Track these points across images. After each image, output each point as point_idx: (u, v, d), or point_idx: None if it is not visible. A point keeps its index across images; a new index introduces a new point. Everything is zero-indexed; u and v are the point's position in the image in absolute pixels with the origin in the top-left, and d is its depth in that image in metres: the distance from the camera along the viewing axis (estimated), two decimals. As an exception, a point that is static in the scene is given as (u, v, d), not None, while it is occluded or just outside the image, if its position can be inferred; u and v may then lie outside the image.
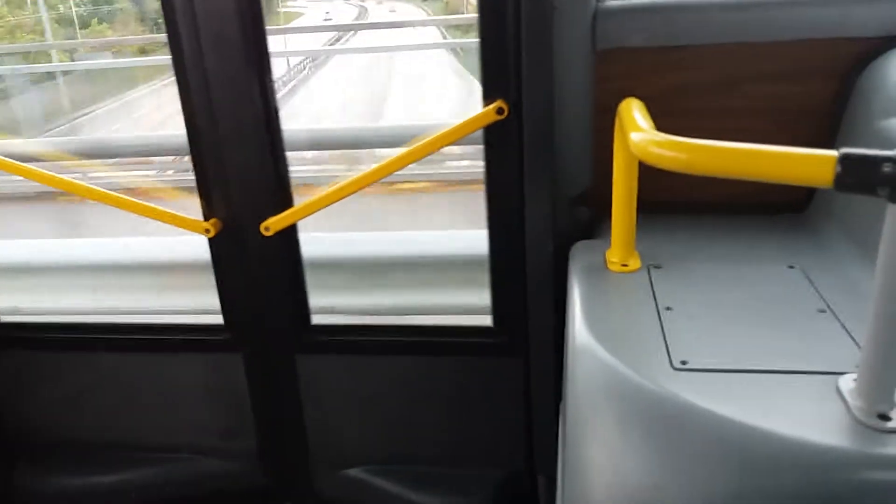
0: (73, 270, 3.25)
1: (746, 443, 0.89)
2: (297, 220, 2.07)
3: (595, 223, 1.71)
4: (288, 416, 2.27)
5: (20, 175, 2.17)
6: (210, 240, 2.11)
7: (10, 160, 2.14)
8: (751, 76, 1.61)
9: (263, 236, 2.04)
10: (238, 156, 2.02)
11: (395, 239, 3.27)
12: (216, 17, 1.87)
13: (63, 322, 2.38)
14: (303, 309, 2.20)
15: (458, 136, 1.88)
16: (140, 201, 2.09)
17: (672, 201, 1.59)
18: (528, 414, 2.04)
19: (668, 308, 1.25)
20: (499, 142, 1.88)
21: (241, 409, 2.29)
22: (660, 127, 1.20)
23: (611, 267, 1.43)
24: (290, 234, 2.11)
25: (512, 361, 2.06)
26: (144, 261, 3.19)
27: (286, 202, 2.08)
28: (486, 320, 2.10)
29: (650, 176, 1.27)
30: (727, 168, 0.96)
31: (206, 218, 2.09)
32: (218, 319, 2.22)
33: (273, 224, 2.03)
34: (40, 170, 2.16)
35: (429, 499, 2.17)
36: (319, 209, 2.03)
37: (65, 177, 2.19)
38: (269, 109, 2.00)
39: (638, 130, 1.20)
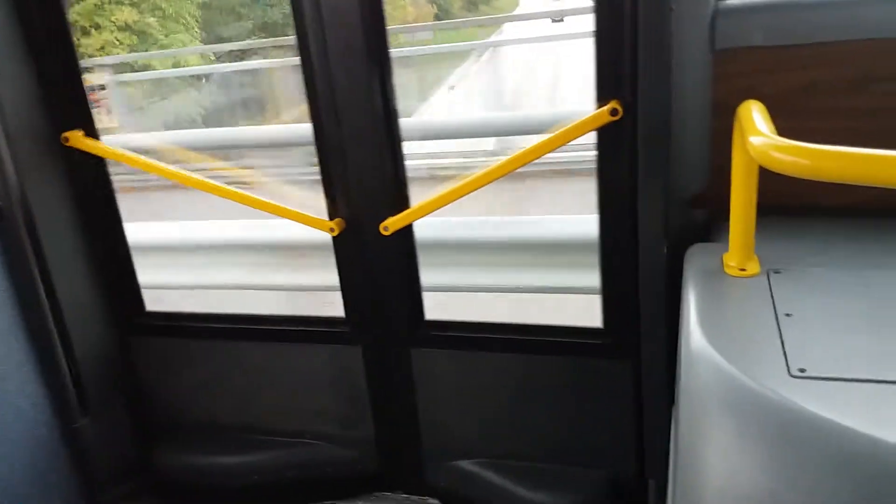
0: (209, 249, 3.54)
1: (867, 454, 0.86)
2: (414, 220, 2.15)
3: (712, 225, 1.68)
4: (403, 408, 2.36)
5: (155, 172, 2.37)
6: (334, 238, 2.23)
7: (152, 161, 2.35)
8: (882, 75, 1.53)
9: (382, 235, 2.13)
10: (359, 156, 2.12)
11: (512, 222, 3.33)
12: (342, 23, 1.98)
13: (202, 313, 2.58)
14: (418, 305, 2.29)
15: (571, 138, 1.90)
16: (270, 200, 2.24)
17: (793, 205, 1.54)
18: (638, 417, 2.03)
19: (787, 314, 1.22)
20: (612, 143, 1.88)
21: (360, 399, 2.40)
22: (783, 128, 1.17)
23: (728, 271, 1.41)
24: (406, 232, 2.20)
25: (621, 363, 2.06)
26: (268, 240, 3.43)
27: (403, 202, 2.17)
28: (595, 316, 2.11)
29: (770, 178, 1.24)
30: (852, 174, 0.94)
31: (331, 217, 2.21)
32: (340, 313, 2.35)
33: (392, 224, 2.12)
34: (165, 166, 2.35)
35: (536, 495, 2.19)
36: (436, 209, 2.10)
37: (194, 174, 2.38)
38: (388, 111, 2.08)
39: (758, 134, 1.17)
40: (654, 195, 1.74)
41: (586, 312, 2.25)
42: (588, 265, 3.08)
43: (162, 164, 2.35)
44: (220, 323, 2.51)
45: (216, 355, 2.52)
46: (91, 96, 2.32)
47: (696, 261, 1.50)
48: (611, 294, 2.03)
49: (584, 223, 3.18)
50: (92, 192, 2.41)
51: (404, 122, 2.18)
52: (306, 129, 2.19)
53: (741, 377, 1.04)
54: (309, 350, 2.41)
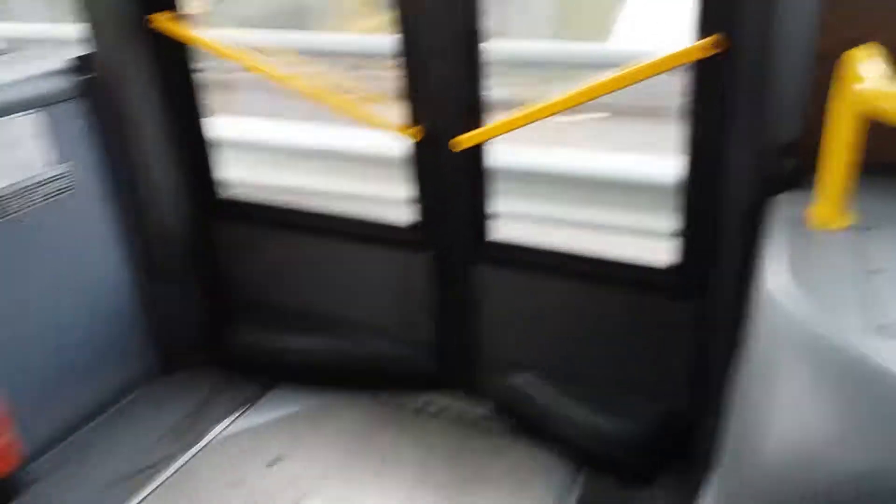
0: (287, 151, 3.61)
1: None
2: (487, 139, 2.17)
3: (801, 176, 1.67)
4: (463, 318, 2.45)
5: (240, 62, 2.39)
6: (410, 147, 2.27)
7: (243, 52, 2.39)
8: None
9: (455, 149, 2.16)
10: (440, 69, 2.13)
11: (586, 157, 3.31)
12: None
13: (279, 205, 2.67)
14: (486, 223, 2.33)
15: (666, 68, 1.86)
16: (357, 105, 2.27)
17: (890, 162, 1.51)
18: (697, 357, 2.07)
19: (872, 271, 1.20)
20: (707, 78, 1.84)
21: (422, 303, 2.50)
22: None
23: (814, 223, 1.39)
24: (479, 150, 2.22)
25: (686, 303, 2.08)
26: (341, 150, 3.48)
27: (478, 119, 2.18)
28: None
29: (870, 134, 1.23)
30: None
31: (409, 126, 2.24)
32: (410, 218, 2.42)
33: (464, 141, 2.15)
34: (251, 58, 2.37)
35: (585, 415, 2.28)
36: (510, 130, 2.11)
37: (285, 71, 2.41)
38: (472, 28, 2.07)
39: (862, 81, 1.15)
40: (745, 139, 1.71)
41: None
42: (653, 208, 3.09)
43: (245, 55, 2.37)
44: (296, 216, 2.60)
45: (290, 245, 2.63)
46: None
47: (781, 210, 1.50)
48: (686, 235, 2.04)
49: (658, 165, 3.15)
50: (176, 77, 2.47)
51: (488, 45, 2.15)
52: (388, 39, 2.18)
53: (819, 328, 1.05)
54: (378, 251, 2.50)
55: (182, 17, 2.37)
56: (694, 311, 2.05)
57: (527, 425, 2.43)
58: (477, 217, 2.32)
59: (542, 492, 2.22)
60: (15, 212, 2.16)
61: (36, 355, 2.29)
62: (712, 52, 1.76)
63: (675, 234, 2.06)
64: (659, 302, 2.14)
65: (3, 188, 2.12)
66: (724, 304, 1.80)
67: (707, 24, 1.78)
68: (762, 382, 1.09)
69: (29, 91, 2.17)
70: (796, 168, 1.69)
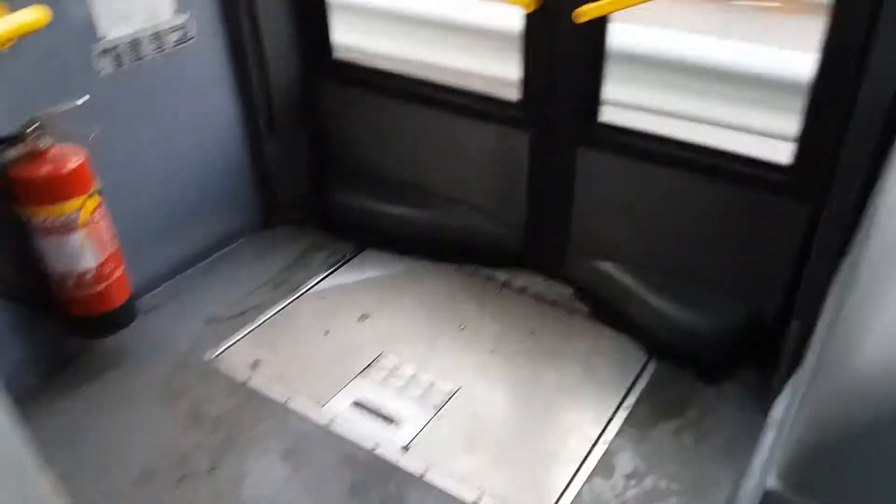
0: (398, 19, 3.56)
1: None
2: (611, 11, 2.04)
3: None
4: (558, 199, 2.43)
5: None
6: (526, 17, 2.17)
7: None
8: None
9: (574, 23, 2.05)
10: None
11: (701, 43, 3.09)
12: None
13: (387, 70, 2.66)
14: (594, 104, 2.24)
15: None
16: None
17: None
18: (800, 259, 1.98)
19: None
20: None
21: (519, 182, 2.48)
22: None
23: None
24: (600, 25, 2.10)
25: (798, 204, 1.98)
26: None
27: None
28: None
29: None
30: None
31: None
32: (514, 96, 2.36)
33: (586, 11, 2.02)
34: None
35: (669, 308, 2.25)
36: (636, 4, 1.97)
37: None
38: None
39: None
40: (894, 41, 1.54)
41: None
42: (773, 104, 2.87)
43: None
44: (401, 83, 2.59)
45: (394, 112, 2.64)
46: None
47: None
48: (809, 134, 1.90)
49: (783, 58, 2.91)
50: None
51: None
52: None
53: None
54: (480, 126, 2.47)
55: None
56: (807, 213, 1.95)
57: (606, 310, 2.43)
58: (588, 97, 2.23)
59: (612, 374, 2.24)
60: (144, 55, 2.25)
61: (151, 196, 2.44)
62: None
63: (799, 133, 1.92)
64: (770, 200, 2.04)
65: (138, 31, 2.20)
66: (841, 210, 1.69)
67: None
68: (868, 291, 1.03)
69: None
70: None
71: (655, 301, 2.27)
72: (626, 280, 2.36)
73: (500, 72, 3.11)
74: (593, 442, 2.03)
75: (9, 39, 1.77)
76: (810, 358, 1.37)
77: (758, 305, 2.18)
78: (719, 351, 2.21)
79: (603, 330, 2.40)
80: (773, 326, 2.13)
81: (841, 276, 1.43)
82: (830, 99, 1.82)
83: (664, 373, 2.24)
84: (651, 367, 2.26)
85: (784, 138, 2.04)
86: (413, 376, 2.24)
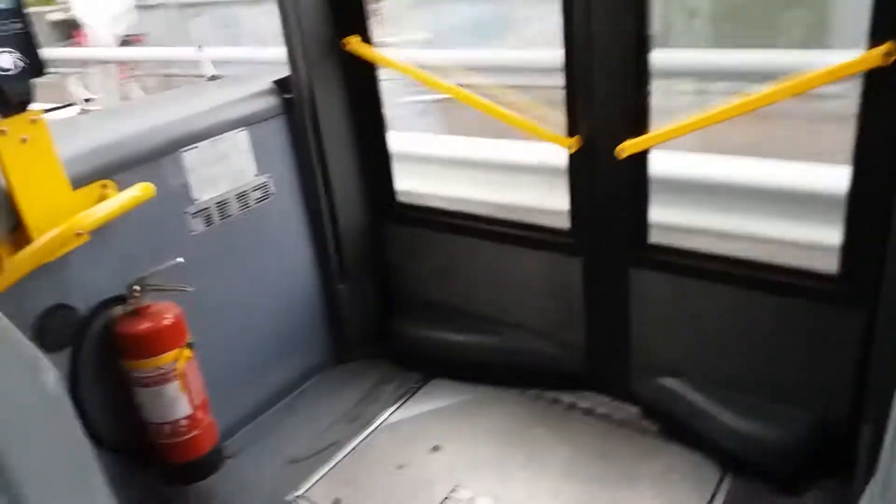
0: (456, 163, 3.85)
1: None
2: (651, 146, 2.22)
3: None
4: (615, 320, 2.51)
5: (418, 79, 2.62)
6: (570, 155, 2.37)
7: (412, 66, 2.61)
8: None
9: (616, 157, 2.23)
10: (606, 82, 2.21)
11: (740, 165, 3.25)
12: None
13: (444, 209, 2.88)
14: (642, 227, 2.38)
15: (835, 78, 1.85)
16: (520, 116, 2.42)
17: None
18: (862, 365, 2.00)
19: None
20: (881, 85, 1.79)
21: (575, 305, 2.59)
22: None
23: None
24: (641, 156, 2.27)
25: (852, 311, 2.02)
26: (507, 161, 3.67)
27: (642, 127, 2.23)
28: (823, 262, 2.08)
29: None
30: None
31: (570, 135, 2.35)
32: (565, 224, 2.52)
33: (628, 147, 2.21)
34: (428, 74, 2.58)
35: (738, 422, 2.26)
36: (675, 137, 2.15)
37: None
38: (641, 38, 2.13)
39: None
40: None
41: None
42: (812, 217, 2.96)
43: (422, 72, 2.60)
44: (458, 219, 2.80)
45: (452, 247, 2.82)
46: (370, 5, 2.61)
47: None
48: (853, 242, 1.99)
49: (814, 173, 3.03)
50: (363, 93, 2.75)
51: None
52: (558, 54, 2.29)
53: None
54: (534, 255, 2.62)
55: (369, 40, 2.64)
56: (861, 319, 1.99)
57: (675, 428, 2.44)
58: (635, 222, 2.37)
59: (689, 494, 2.23)
60: (231, 214, 2.52)
61: (234, 343, 2.62)
62: (884, 61, 1.71)
63: (842, 243, 2.01)
64: (824, 308, 2.09)
65: (225, 193, 2.48)
66: (894, 314, 1.74)
67: (880, 29, 1.74)
68: None
69: (240, 111, 2.53)
70: None
71: (723, 415, 2.28)
72: (693, 396, 2.38)
73: (550, 203, 3.30)
74: (676, 565, 2.00)
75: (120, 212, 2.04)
76: (883, 461, 1.39)
77: (826, 413, 2.17)
78: (792, 461, 2.19)
79: (674, 448, 2.40)
80: (845, 433, 2.12)
81: None
82: (867, 208, 1.92)
83: (740, 488, 2.22)
84: (727, 484, 2.24)
85: (831, 249, 2.12)
86: (488, 507, 2.26)
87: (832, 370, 2.13)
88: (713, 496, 2.21)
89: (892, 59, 1.71)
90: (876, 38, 1.74)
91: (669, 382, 2.45)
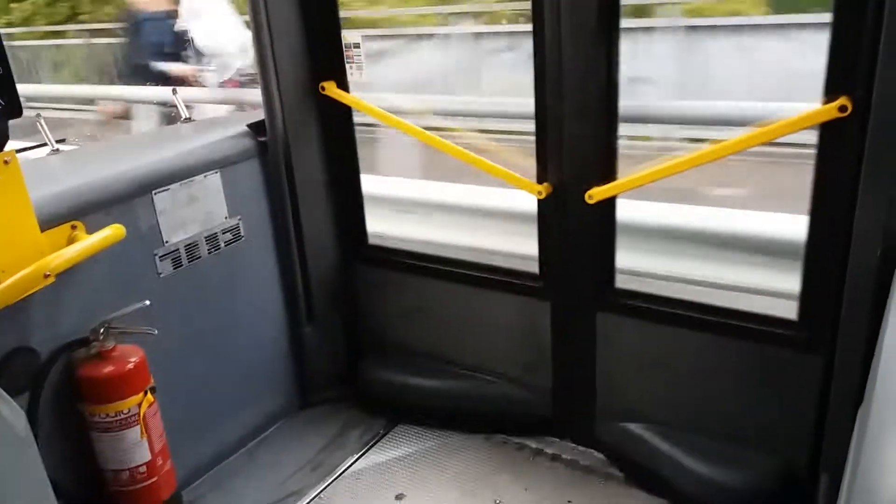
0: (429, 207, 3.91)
1: None
2: (620, 192, 2.27)
3: None
4: (582, 365, 2.53)
5: (392, 125, 2.65)
6: (539, 201, 2.42)
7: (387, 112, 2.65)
8: None
9: (586, 202, 2.28)
10: (576, 128, 2.26)
11: (700, 214, 3.34)
12: (579, 8, 2.11)
13: (415, 251, 2.89)
14: (610, 272, 2.42)
15: (791, 131, 1.93)
16: (490, 161, 2.46)
17: None
18: (820, 411, 2.04)
19: None
20: (836, 140, 1.87)
21: (543, 349, 2.60)
22: None
23: None
24: (609, 202, 2.32)
25: (810, 357, 2.07)
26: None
27: (611, 173, 2.28)
28: (783, 309, 2.13)
29: None
30: None
31: (539, 181, 2.39)
32: (534, 268, 2.55)
33: (597, 194, 2.26)
34: (402, 120, 2.62)
35: (702, 468, 2.28)
36: (643, 184, 2.21)
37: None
38: (611, 85, 2.19)
39: None
40: (877, 197, 1.72)
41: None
42: (772, 264, 3.05)
43: (398, 118, 2.63)
44: (429, 262, 2.81)
45: (421, 289, 2.83)
46: (347, 53, 2.66)
47: None
48: (810, 290, 2.04)
49: (776, 221, 3.14)
50: (338, 136, 2.78)
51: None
52: (529, 102, 2.35)
53: None
54: (503, 298, 2.64)
55: (346, 84, 2.68)
56: (819, 365, 2.04)
57: (639, 474, 2.45)
58: (603, 267, 2.41)
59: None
60: (200, 256, 2.50)
61: (198, 387, 2.57)
62: (838, 115, 1.79)
63: (801, 290, 2.07)
64: (784, 355, 2.14)
65: (194, 235, 2.47)
66: (851, 360, 1.78)
67: (834, 84, 1.82)
68: (887, 437, 1.09)
69: (214, 154, 2.53)
70: None
71: (687, 461, 2.30)
72: (657, 441, 2.40)
73: (519, 248, 3.35)
74: None
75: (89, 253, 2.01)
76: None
77: (789, 459, 2.20)
78: None
79: (639, 494, 2.41)
80: (806, 480, 2.14)
81: (857, 428, 1.49)
82: (823, 259, 1.98)
83: (706, 536, 2.22)
84: (692, 532, 2.25)
85: (791, 296, 2.18)
86: (454, 557, 2.23)
87: (794, 416, 2.16)
88: (679, 544, 2.21)
89: (847, 112, 1.78)
90: (830, 92, 1.82)
91: (633, 428, 2.46)
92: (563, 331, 2.55)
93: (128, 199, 2.25)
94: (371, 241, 2.95)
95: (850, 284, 1.83)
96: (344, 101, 2.66)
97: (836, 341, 1.89)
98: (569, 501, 2.41)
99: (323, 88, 2.64)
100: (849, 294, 1.84)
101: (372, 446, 2.77)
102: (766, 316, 2.19)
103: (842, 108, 1.79)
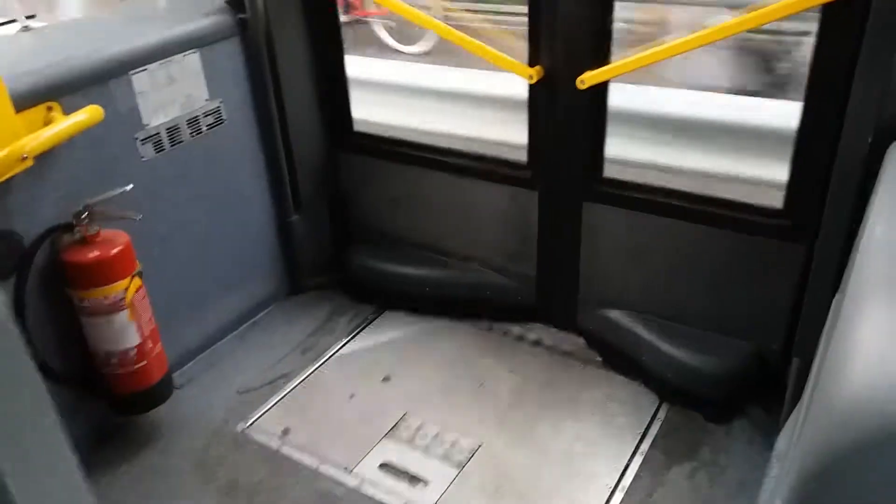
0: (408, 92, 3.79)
1: None
2: (612, 77, 2.21)
3: None
4: (567, 253, 2.56)
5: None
6: (530, 85, 2.36)
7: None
8: None
9: (577, 88, 2.22)
10: (570, 7, 2.18)
11: (690, 100, 3.28)
12: None
13: (401, 139, 2.85)
14: (598, 161, 2.40)
15: (794, 10, 1.85)
16: (481, 43, 2.37)
17: None
18: (798, 298, 2.09)
19: None
20: (837, 22, 1.82)
21: (528, 238, 2.62)
22: None
23: None
24: (601, 89, 2.27)
25: (793, 245, 2.10)
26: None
27: (604, 58, 2.22)
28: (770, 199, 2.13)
29: None
30: None
31: (532, 64, 2.32)
32: (523, 156, 2.52)
33: (589, 78, 2.20)
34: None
35: (678, 352, 2.35)
36: (635, 69, 2.15)
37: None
38: None
39: None
40: (873, 83, 1.68)
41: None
42: (762, 152, 3.03)
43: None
44: (415, 150, 2.77)
45: (408, 178, 2.81)
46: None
47: None
48: (798, 177, 2.04)
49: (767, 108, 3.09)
50: (321, 16, 2.66)
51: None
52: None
53: None
54: (490, 188, 2.63)
55: None
56: (801, 253, 2.07)
57: (618, 358, 2.53)
58: (592, 156, 2.39)
59: (627, 420, 2.34)
60: (182, 140, 2.45)
61: (186, 272, 2.59)
62: None
63: (788, 179, 2.07)
64: (767, 243, 2.17)
65: (175, 118, 2.40)
66: (832, 248, 1.80)
67: None
68: (860, 322, 1.11)
69: (191, 31, 2.42)
70: None
71: (663, 346, 2.38)
72: (635, 327, 2.47)
73: (509, 136, 3.30)
74: (611, 489, 2.11)
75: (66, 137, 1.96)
76: (807, 392, 1.46)
77: (763, 345, 2.28)
78: (726, 391, 2.30)
79: (616, 377, 2.50)
80: (777, 364, 2.23)
81: (832, 313, 1.53)
82: (814, 146, 1.97)
83: (676, 416, 2.33)
84: (663, 412, 2.35)
85: (779, 185, 2.19)
86: (436, 435, 2.33)
87: (771, 304, 2.22)
88: (650, 423, 2.32)
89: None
90: None
91: (613, 314, 2.53)
92: (549, 220, 2.56)
93: (105, 80, 2.17)
94: (357, 127, 2.89)
95: (838, 172, 1.83)
96: None
97: (819, 230, 1.91)
98: (548, 383, 2.50)
99: None
100: (835, 182, 1.83)
101: (360, 331, 2.83)
102: (750, 205, 2.20)
103: None
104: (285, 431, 2.39)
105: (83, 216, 2.05)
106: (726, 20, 1.97)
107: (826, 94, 1.89)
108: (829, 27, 1.84)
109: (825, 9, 1.82)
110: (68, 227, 2.08)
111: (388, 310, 2.92)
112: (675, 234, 2.31)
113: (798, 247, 2.08)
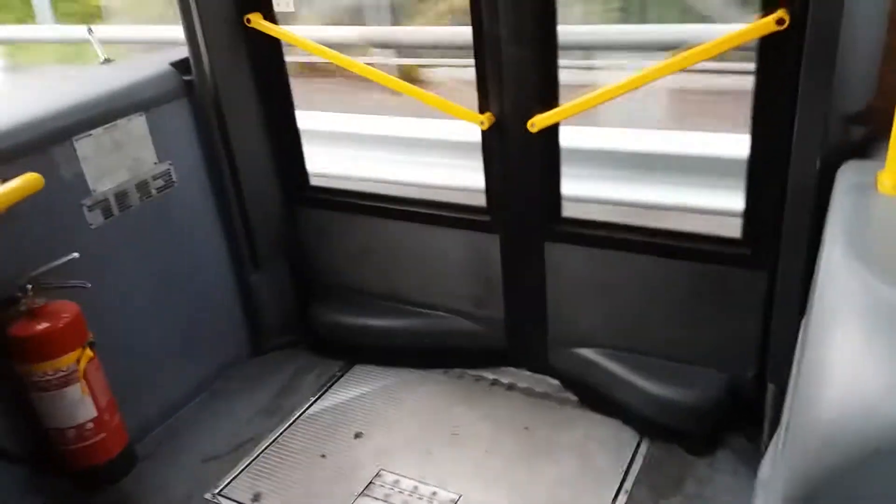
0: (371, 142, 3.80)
1: None
2: (562, 119, 2.23)
3: (870, 143, 1.66)
4: (532, 294, 2.54)
5: (324, 57, 2.52)
6: (483, 132, 2.37)
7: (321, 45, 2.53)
8: None
9: (529, 131, 2.24)
10: (514, 53, 2.20)
11: (646, 137, 3.34)
12: None
13: (359, 191, 2.82)
14: (556, 201, 2.40)
15: (731, 46, 1.90)
16: (432, 93, 2.39)
17: None
18: (765, 324, 2.09)
19: None
20: (774, 53, 1.86)
21: (493, 282, 2.60)
22: None
23: (881, 189, 1.40)
24: (552, 130, 2.28)
25: (755, 273, 2.10)
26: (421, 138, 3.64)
27: (552, 101, 2.24)
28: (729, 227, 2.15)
29: None
30: None
31: (482, 111, 2.33)
32: (482, 201, 2.52)
33: (539, 121, 2.22)
34: (335, 53, 2.48)
35: (653, 387, 2.32)
36: (583, 110, 2.17)
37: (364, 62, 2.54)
38: (549, 10, 2.13)
39: None
40: (815, 109, 1.72)
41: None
42: (714, 183, 3.08)
43: (331, 50, 2.51)
44: (374, 202, 2.75)
45: (368, 229, 2.78)
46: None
47: (848, 176, 1.51)
48: (754, 206, 2.06)
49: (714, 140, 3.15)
50: (268, 72, 2.65)
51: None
52: (466, 30, 2.27)
53: (883, 289, 1.07)
54: (451, 234, 2.61)
55: (273, 16, 2.53)
56: (764, 279, 2.08)
57: (593, 397, 2.50)
58: (549, 196, 2.39)
59: (609, 461, 2.29)
60: (131, 205, 2.38)
61: (143, 339, 2.50)
62: (776, 28, 1.77)
63: (744, 208, 2.09)
64: (729, 272, 2.17)
65: (123, 183, 2.34)
66: (794, 273, 1.82)
67: None
68: (827, 346, 1.10)
69: (136, 95, 2.38)
70: (866, 136, 1.68)
71: (639, 382, 2.35)
72: (609, 364, 2.44)
73: (467, 181, 3.31)
74: (599, 531, 2.05)
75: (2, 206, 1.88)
76: (784, 417, 1.45)
77: (737, 373, 2.26)
78: (706, 422, 2.27)
79: (594, 416, 2.46)
80: (753, 392, 2.21)
81: (800, 336, 1.53)
82: (765, 175, 1.99)
83: (658, 451, 2.29)
84: (644, 448, 2.31)
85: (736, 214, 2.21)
86: (414, 489, 2.25)
87: (740, 332, 2.21)
88: (631, 461, 2.27)
89: (785, 26, 1.76)
90: (768, 6, 1.79)
91: (585, 352, 2.50)
92: (512, 263, 2.54)
93: (47, 146, 2.12)
94: (313, 181, 2.86)
95: (792, 198, 1.85)
96: (272, 34, 2.52)
97: (779, 256, 1.92)
98: (525, 427, 2.45)
99: (249, 21, 2.50)
100: (790, 208, 1.86)
101: (328, 388, 2.75)
102: (710, 236, 2.21)
103: (779, 22, 1.77)
104: (256, 497, 2.28)
105: (28, 288, 1.97)
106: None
107: (771, 123, 1.92)
108: (767, 59, 1.88)
109: (762, 41, 1.86)
110: (13, 301, 1.99)
111: (356, 364, 2.85)
112: (638, 268, 2.31)
113: (760, 274, 2.09)
